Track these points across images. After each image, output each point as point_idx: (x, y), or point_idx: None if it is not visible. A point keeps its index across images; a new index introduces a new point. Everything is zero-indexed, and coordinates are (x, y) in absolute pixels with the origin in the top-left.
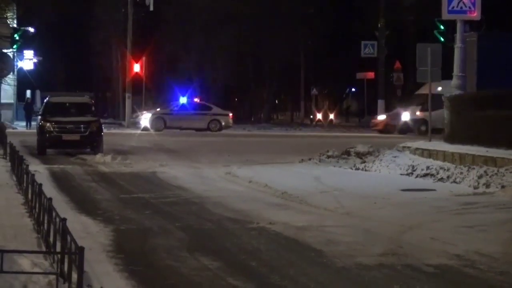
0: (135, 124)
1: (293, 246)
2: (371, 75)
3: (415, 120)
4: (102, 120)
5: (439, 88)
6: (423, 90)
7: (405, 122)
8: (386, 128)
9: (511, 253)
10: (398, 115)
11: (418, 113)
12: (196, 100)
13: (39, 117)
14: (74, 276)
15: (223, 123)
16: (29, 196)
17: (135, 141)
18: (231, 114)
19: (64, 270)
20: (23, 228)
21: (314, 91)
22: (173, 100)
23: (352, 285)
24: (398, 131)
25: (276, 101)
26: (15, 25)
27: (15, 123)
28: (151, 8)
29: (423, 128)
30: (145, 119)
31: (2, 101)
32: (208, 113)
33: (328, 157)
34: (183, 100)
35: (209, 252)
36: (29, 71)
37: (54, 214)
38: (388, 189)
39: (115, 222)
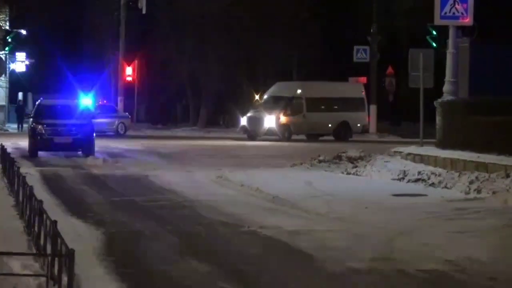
0: None
1: (284, 250)
2: (363, 80)
3: (279, 126)
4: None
5: (299, 91)
6: (280, 92)
7: (269, 128)
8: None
9: (502, 259)
10: (259, 120)
11: (281, 118)
12: (103, 102)
13: (31, 119)
14: (64, 279)
15: (127, 126)
16: (20, 198)
17: (126, 144)
18: (130, 116)
19: (54, 273)
20: (14, 230)
21: None
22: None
23: None
24: (259, 139)
25: None
26: (7, 27)
27: (7, 125)
28: (144, 11)
29: (286, 134)
30: None
31: None
32: (116, 115)
33: (320, 161)
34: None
35: (200, 255)
36: (21, 73)
37: (45, 216)
38: (380, 194)
39: (106, 225)
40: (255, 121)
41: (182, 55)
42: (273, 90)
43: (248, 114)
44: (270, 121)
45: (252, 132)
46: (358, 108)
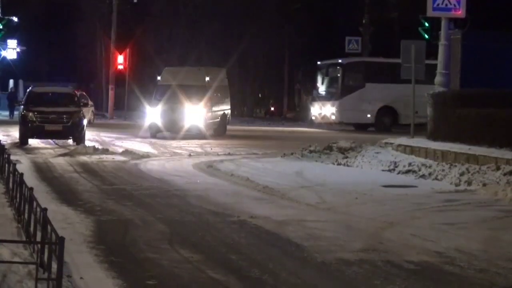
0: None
1: (273, 240)
2: None
3: (204, 120)
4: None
5: (207, 79)
6: (186, 80)
7: (193, 125)
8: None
9: (491, 251)
10: (180, 114)
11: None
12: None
13: (22, 107)
14: (54, 266)
15: (94, 115)
16: (10, 185)
17: (117, 133)
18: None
19: (44, 260)
20: (3, 217)
21: (298, 86)
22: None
23: (332, 280)
24: (179, 137)
25: (260, 95)
26: None
27: None
28: (135, 0)
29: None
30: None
31: None
32: (90, 104)
33: (311, 152)
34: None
35: (189, 244)
36: (13, 61)
37: (35, 204)
38: (370, 185)
39: (96, 213)
40: (174, 116)
41: (173, 43)
42: (172, 77)
43: (161, 107)
44: (195, 115)
45: (169, 129)
46: (228, 98)
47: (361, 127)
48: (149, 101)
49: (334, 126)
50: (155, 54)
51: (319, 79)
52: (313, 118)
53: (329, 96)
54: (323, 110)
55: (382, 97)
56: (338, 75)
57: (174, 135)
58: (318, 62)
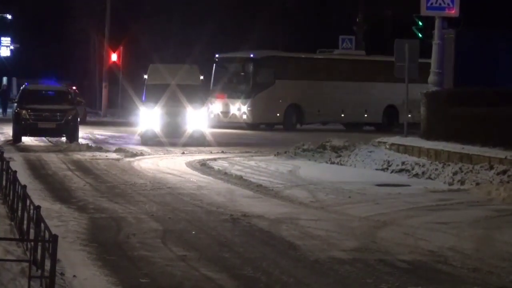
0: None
1: (266, 238)
2: None
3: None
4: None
5: (202, 77)
6: (181, 79)
7: (195, 131)
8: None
9: (484, 250)
10: (182, 118)
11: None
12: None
13: (15, 104)
14: (47, 264)
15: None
16: (3, 183)
17: (110, 131)
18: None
19: (37, 258)
20: None
21: None
22: None
23: (325, 279)
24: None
25: None
26: None
27: None
28: None
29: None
30: None
31: None
32: (83, 102)
33: (304, 150)
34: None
35: (182, 242)
36: (6, 58)
37: (28, 201)
38: (363, 184)
39: (89, 211)
40: (175, 120)
41: (167, 41)
42: (162, 76)
43: (158, 110)
44: (198, 118)
45: (169, 136)
46: None
47: (254, 126)
48: (139, 103)
49: (232, 124)
50: (149, 51)
51: (222, 74)
52: (211, 116)
53: (238, 94)
54: (231, 108)
55: (290, 95)
56: (250, 70)
57: (173, 142)
58: (217, 55)
